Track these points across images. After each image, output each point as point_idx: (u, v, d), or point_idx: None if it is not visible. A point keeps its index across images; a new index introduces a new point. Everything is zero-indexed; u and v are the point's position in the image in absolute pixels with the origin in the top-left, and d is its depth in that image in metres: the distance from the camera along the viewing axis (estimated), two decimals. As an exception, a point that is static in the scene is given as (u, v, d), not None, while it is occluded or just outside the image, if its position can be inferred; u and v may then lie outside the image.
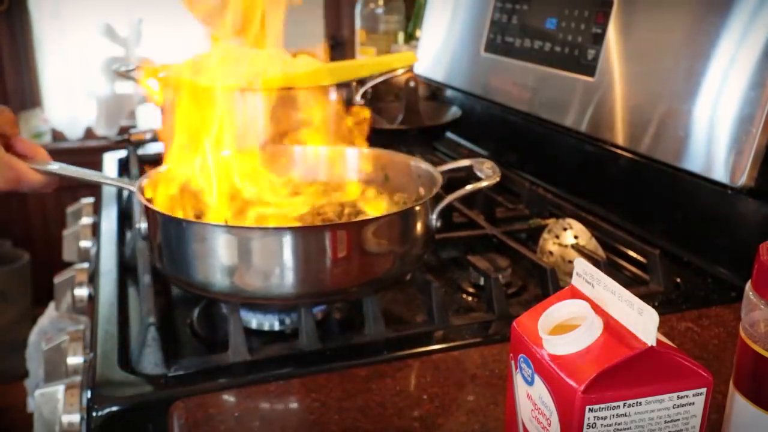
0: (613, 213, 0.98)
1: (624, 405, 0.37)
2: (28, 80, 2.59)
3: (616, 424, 0.37)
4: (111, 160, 1.32)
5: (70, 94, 2.62)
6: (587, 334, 0.38)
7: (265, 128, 1.00)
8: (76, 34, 2.55)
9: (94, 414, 0.58)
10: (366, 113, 0.91)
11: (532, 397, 0.41)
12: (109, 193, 1.12)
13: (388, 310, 0.77)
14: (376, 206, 0.80)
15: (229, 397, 0.59)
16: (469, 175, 0.81)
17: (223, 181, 0.83)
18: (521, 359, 0.41)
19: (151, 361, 0.66)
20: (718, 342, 0.68)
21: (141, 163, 1.16)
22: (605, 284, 0.40)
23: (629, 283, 0.84)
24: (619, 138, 0.98)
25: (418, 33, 1.76)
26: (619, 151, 0.98)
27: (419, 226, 0.72)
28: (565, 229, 0.88)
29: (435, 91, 1.54)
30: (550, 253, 0.87)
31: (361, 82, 1.11)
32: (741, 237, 0.81)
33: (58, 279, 1.05)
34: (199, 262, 0.67)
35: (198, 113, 0.82)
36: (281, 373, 0.63)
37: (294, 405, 0.59)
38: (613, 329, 0.38)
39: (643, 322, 0.37)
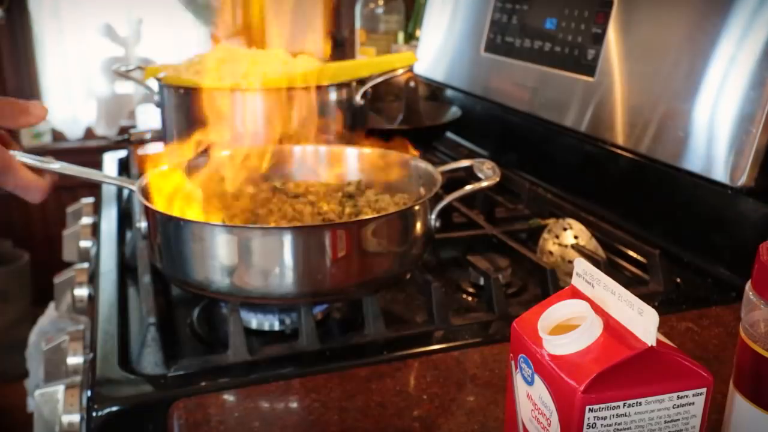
0: (613, 213, 0.98)
1: (624, 405, 0.37)
2: (27, 80, 2.59)
3: (616, 424, 0.37)
4: (111, 160, 1.32)
5: (70, 94, 2.62)
6: (587, 334, 0.38)
7: (266, 128, 1.00)
8: (76, 34, 2.55)
9: (94, 414, 0.58)
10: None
11: (532, 397, 0.41)
12: (109, 193, 1.12)
13: (388, 310, 0.77)
14: (376, 206, 0.80)
15: (229, 397, 0.59)
16: (469, 175, 0.81)
17: (222, 180, 0.83)
18: (521, 359, 0.41)
19: (151, 361, 0.66)
20: (718, 342, 0.68)
21: (141, 163, 1.16)
22: (605, 284, 0.40)
23: (629, 283, 0.84)
24: (619, 138, 0.98)
25: (418, 33, 1.76)
26: (619, 151, 0.98)
27: (419, 226, 0.72)
28: (565, 229, 0.88)
29: (435, 91, 1.54)
30: (550, 253, 0.87)
31: (361, 82, 1.11)
32: (741, 237, 0.81)
33: (58, 279, 1.05)
34: (199, 262, 0.67)
35: (198, 113, 0.82)
36: (281, 373, 0.63)
37: (294, 405, 0.59)
38: (613, 329, 0.38)
39: (643, 322, 0.37)
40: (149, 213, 0.72)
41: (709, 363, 0.63)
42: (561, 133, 1.10)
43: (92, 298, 0.91)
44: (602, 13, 1.03)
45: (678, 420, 0.38)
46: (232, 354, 0.65)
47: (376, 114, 1.42)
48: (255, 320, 0.74)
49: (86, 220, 1.14)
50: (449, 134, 1.43)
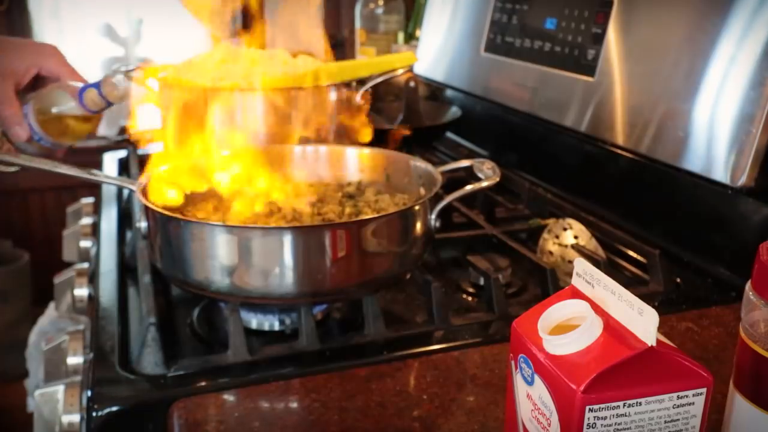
0: (613, 213, 0.98)
1: (624, 405, 0.37)
2: (28, 80, 2.58)
3: (616, 424, 0.37)
4: (111, 160, 1.32)
5: (70, 94, 2.62)
6: (587, 334, 0.38)
7: (265, 128, 1.00)
8: (75, 34, 2.55)
9: (94, 414, 0.58)
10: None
11: (532, 397, 0.41)
12: (109, 193, 1.12)
13: (388, 310, 0.77)
14: (376, 206, 0.80)
15: (229, 397, 0.59)
16: (469, 175, 0.81)
17: (222, 180, 0.83)
18: (521, 359, 0.41)
19: (151, 361, 0.66)
20: (718, 342, 0.68)
21: (141, 163, 1.16)
22: (605, 284, 0.40)
23: (629, 283, 0.83)
24: (619, 138, 0.98)
25: (418, 33, 1.76)
26: (619, 151, 0.98)
27: (419, 226, 0.72)
28: (565, 229, 0.88)
29: (435, 91, 1.54)
30: (550, 253, 0.87)
31: (361, 82, 1.11)
32: (741, 237, 0.81)
33: (58, 279, 1.05)
34: (198, 262, 0.67)
35: (198, 113, 0.82)
36: (281, 373, 0.63)
37: (294, 405, 0.59)
38: (613, 329, 0.38)
39: (643, 322, 0.37)
40: (149, 213, 0.72)
41: (709, 363, 0.63)
42: (561, 133, 1.10)
43: (92, 298, 0.91)
44: (602, 13, 1.03)
45: (678, 420, 0.38)
46: (232, 354, 0.65)
47: (376, 114, 1.42)
48: (255, 320, 0.74)
49: (86, 220, 1.14)
50: (449, 134, 1.43)
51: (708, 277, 0.82)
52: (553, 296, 0.43)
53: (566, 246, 0.86)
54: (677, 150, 0.88)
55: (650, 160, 0.93)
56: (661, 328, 0.36)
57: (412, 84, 1.38)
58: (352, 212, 0.78)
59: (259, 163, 0.83)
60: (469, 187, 0.76)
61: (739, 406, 0.43)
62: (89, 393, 0.62)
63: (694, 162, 0.86)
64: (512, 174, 1.13)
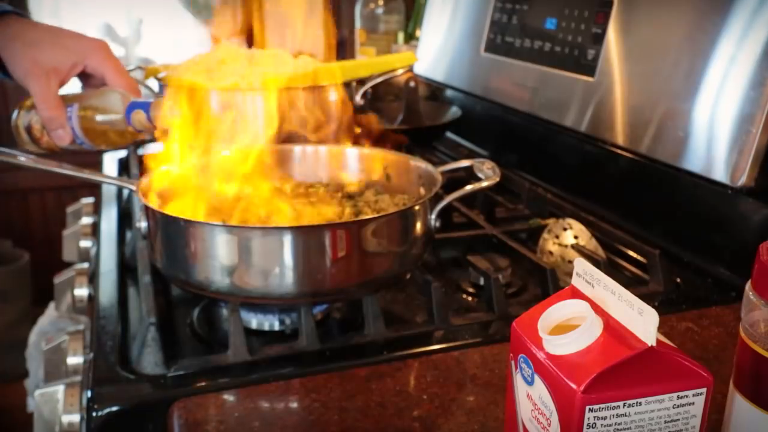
0: (613, 213, 0.98)
1: (624, 405, 0.37)
2: (28, 80, 2.58)
3: (616, 424, 0.37)
4: (111, 160, 1.32)
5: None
6: (587, 334, 0.38)
7: (266, 128, 1.00)
8: (75, 34, 2.55)
9: (94, 414, 0.58)
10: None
11: (532, 397, 0.41)
12: (109, 193, 1.12)
13: (388, 310, 0.77)
14: (376, 206, 0.80)
15: (229, 397, 0.59)
16: (469, 175, 0.81)
17: (222, 180, 0.83)
18: (521, 359, 0.41)
19: (151, 361, 0.66)
20: (718, 342, 0.68)
21: (141, 162, 1.16)
22: (605, 284, 0.40)
23: (629, 283, 0.84)
24: (619, 138, 0.98)
25: (418, 33, 1.76)
26: (619, 151, 0.98)
27: (418, 226, 0.72)
28: (565, 229, 0.88)
29: (435, 91, 1.54)
30: (550, 253, 0.87)
31: (361, 82, 1.11)
32: (741, 237, 0.81)
33: (58, 279, 1.05)
34: (199, 262, 0.67)
35: (198, 113, 0.82)
36: (281, 373, 0.63)
37: (294, 405, 0.59)
38: (613, 329, 0.38)
39: (643, 322, 0.37)
40: (149, 213, 0.72)
41: (709, 363, 0.63)
42: (561, 133, 1.10)
43: (92, 298, 0.91)
44: (602, 13, 1.03)
45: (678, 420, 0.38)
46: (232, 354, 0.65)
47: (376, 114, 1.42)
48: (255, 320, 0.74)
49: (86, 220, 1.14)
50: (449, 134, 1.43)
51: (708, 277, 0.82)
52: (553, 296, 0.43)
53: (566, 246, 0.86)
54: (677, 150, 0.88)
55: (650, 160, 0.93)
56: (661, 328, 0.36)
57: (412, 84, 1.38)
58: (352, 212, 0.78)
59: (258, 163, 0.83)
60: (469, 187, 0.76)
61: (739, 406, 0.43)
62: (89, 393, 0.62)
63: (694, 162, 0.86)
64: (512, 174, 1.13)
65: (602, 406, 0.37)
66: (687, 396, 0.38)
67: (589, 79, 1.04)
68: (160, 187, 0.76)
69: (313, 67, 1.07)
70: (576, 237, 0.87)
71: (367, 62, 1.17)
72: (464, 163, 0.80)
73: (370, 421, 0.56)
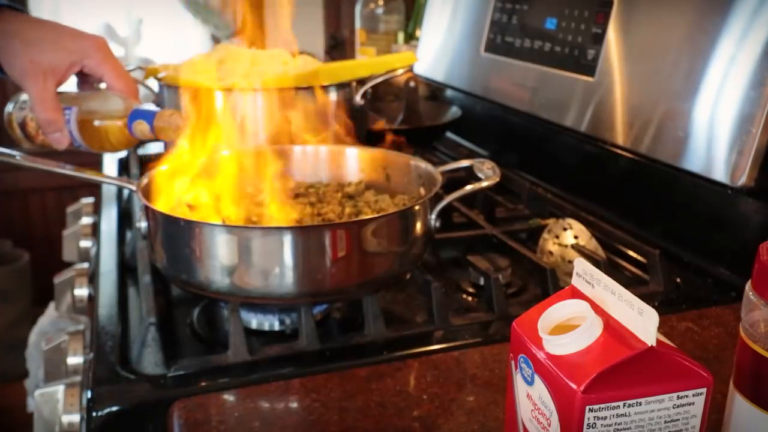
0: (613, 213, 0.98)
1: (624, 405, 0.37)
2: (28, 80, 2.58)
3: (616, 424, 0.37)
4: (111, 160, 1.32)
5: (70, 93, 2.62)
6: (587, 334, 0.38)
7: (265, 128, 1.00)
8: (75, 34, 2.55)
9: (94, 414, 0.58)
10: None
11: (532, 397, 0.41)
12: (109, 193, 1.12)
13: (388, 310, 0.77)
14: (376, 206, 0.80)
15: (229, 397, 0.59)
16: (469, 175, 0.81)
17: (222, 180, 0.83)
18: (521, 359, 0.41)
19: (151, 361, 0.66)
20: (718, 342, 0.68)
21: (141, 162, 1.16)
22: (605, 284, 0.40)
23: (629, 283, 0.84)
24: (619, 138, 0.98)
25: (418, 33, 1.76)
26: (619, 151, 0.98)
27: (418, 226, 0.72)
28: (565, 229, 0.88)
29: (435, 91, 1.54)
30: (550, 253, 0.87)
31: (361, 82, 1.11)
32: (741, 237, 0.81)
33: (58, 279, 1.05)
34: (199, 262, 0.67)
35: (198, 113, 0.82)
36: (281, 373, 0.63)
37: (294, 405, 0.59)
38: (613, 329, 0.38)
39: (643, 322, 0.37)
40: (149, 213, 0.72)
41: (709, 363, 0.63)
42: (561, 133, 1.10)
43: (92, 298, 0.91)
44: (602, 13, 1.03)
45: (678, 420, 0.38)
46: (232, 354, 0.65)
47: (376, 114, 1.42)
48: (255, 320, 0.74)
49: (86, 220, 1.14)
50: (449, 134, 1.43)
51: (708, 277, 0.82)
52: (553, 296, 0.43)
53: (566, 246, 0.86)
54: (677, 150, 0.88)
55: (650, 160, 0.93)
56: (661, 328, 0.36)
57: (412, 84, 1.38)
58: (352, 212, 0.78)
59: (258, 163, 0.82)
60: (469, 187, 0.76)
61: (739, 406, 0.43)
62: (89, 393, 0.62)
63: (694, 162, 0.86)
64: (512, 174, 1.13)
65: (602, 406, 0.37)
66: (687, 396, 0.38)
67: (589, 79, 1.04)
68: (162, 186, 0.76)
69: (313, 67, 1.07)
70: (576, 237, 0.87)
71: (367, 62, 1.17)
72: (464, 163, 0.80)
73: (370, 421, 0.56)
